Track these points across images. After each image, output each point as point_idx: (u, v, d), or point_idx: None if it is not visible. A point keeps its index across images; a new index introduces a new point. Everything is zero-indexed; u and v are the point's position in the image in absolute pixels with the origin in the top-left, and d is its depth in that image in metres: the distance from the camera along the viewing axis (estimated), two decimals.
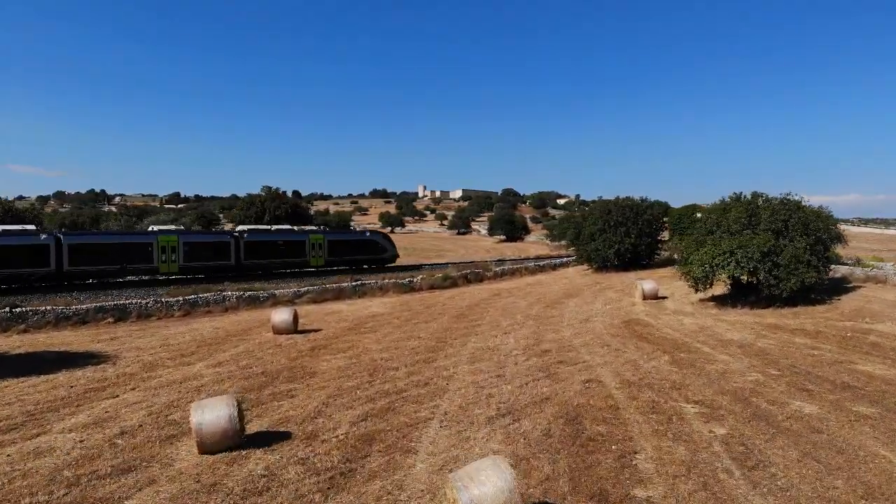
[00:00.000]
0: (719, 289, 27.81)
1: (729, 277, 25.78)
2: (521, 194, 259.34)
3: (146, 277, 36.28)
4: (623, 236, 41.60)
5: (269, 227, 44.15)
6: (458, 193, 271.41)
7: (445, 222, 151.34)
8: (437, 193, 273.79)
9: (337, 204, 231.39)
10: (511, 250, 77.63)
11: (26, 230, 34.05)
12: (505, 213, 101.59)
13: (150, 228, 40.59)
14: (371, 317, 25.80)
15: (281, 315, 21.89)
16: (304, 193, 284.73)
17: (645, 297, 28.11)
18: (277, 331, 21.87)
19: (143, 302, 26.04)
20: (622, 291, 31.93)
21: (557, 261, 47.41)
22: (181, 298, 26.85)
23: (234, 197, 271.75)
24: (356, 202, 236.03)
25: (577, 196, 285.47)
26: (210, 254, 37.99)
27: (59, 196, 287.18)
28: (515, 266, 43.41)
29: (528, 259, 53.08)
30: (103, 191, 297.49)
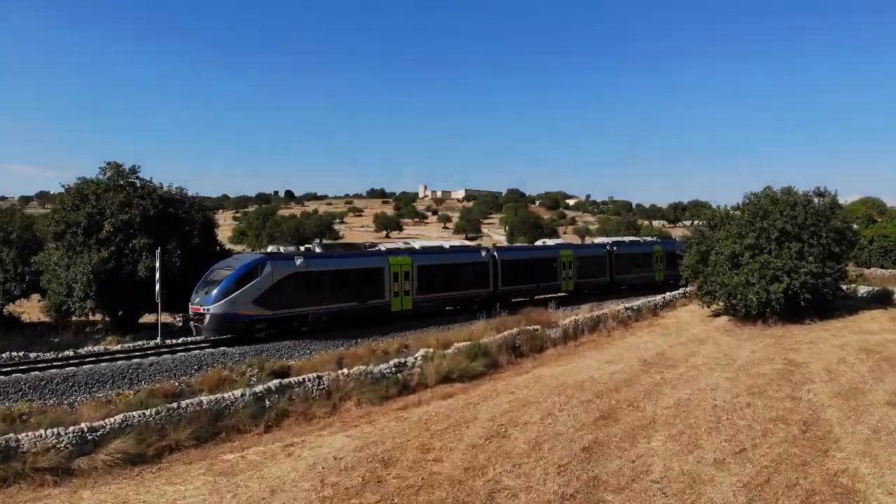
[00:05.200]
0: None
1: None
2: (527, 194, 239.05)
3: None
4: (794, 259, 22.58)
5: (624, 238, 44.15)
6: (460, 193, 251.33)
7: (450, 225, 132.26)
8: (439, 193, 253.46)
9: (330, 204, 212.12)
10: None
11: (466, 247, 33.60)
12: (528, 215, 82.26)
13: (541, 242, 39.00)
14: None
15: None
16: (297, 194, 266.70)
17: None
18: None
19: None
20: None
21: (652, 301, 27.89)
22: None
23: (225, 197, 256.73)
24: (351, 202, 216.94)
25: (588, 196, 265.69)
26: (592, 269, 36.11)
27: (42, 196, 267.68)
28: (592, 313, 24.13)
29: None
30: None
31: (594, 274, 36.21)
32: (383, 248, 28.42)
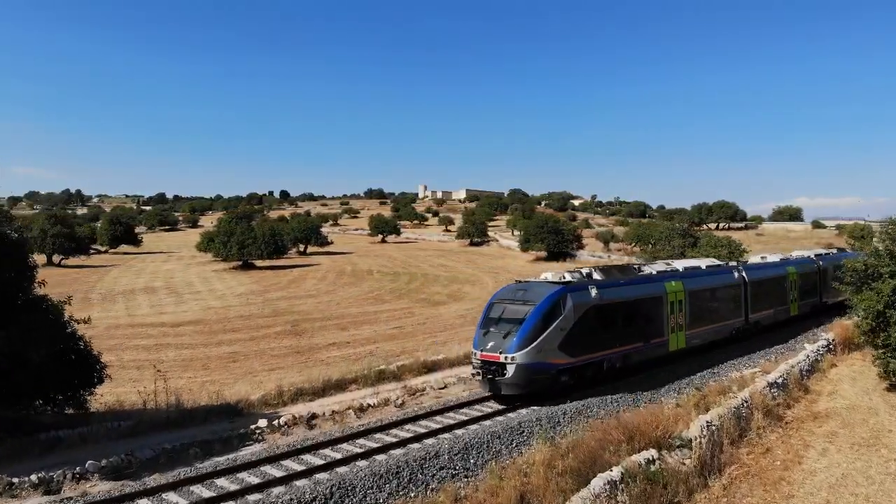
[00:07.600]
0: None
1: None
2: (530, 195, 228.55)
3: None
4: None
5: (824, 249, 40.10)
6: (461, 194, 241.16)
7: (452, 228, 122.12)
8: (440, 194, 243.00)
9: (326, 205, 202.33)
10: None
11: (719, 265, 26.52)
12: (547, 218, 72.27)
13: (759, 257, 32.73)
14: None
15: None
16: (293, 194, 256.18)
17: None
18: None
19: None
20: None
21: (796, 365, 17.81)
22: None
23: (219, 197, 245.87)
24: (347, 203, 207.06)
25: (594, 197, 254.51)
26: (807, 289, 30.36)
27: (32, 196, 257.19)
28: (730, 402, 14.08)
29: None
30: (79, 191, 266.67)
31: (808, 294, 30.75)
32: (653, 271, 23.10)
